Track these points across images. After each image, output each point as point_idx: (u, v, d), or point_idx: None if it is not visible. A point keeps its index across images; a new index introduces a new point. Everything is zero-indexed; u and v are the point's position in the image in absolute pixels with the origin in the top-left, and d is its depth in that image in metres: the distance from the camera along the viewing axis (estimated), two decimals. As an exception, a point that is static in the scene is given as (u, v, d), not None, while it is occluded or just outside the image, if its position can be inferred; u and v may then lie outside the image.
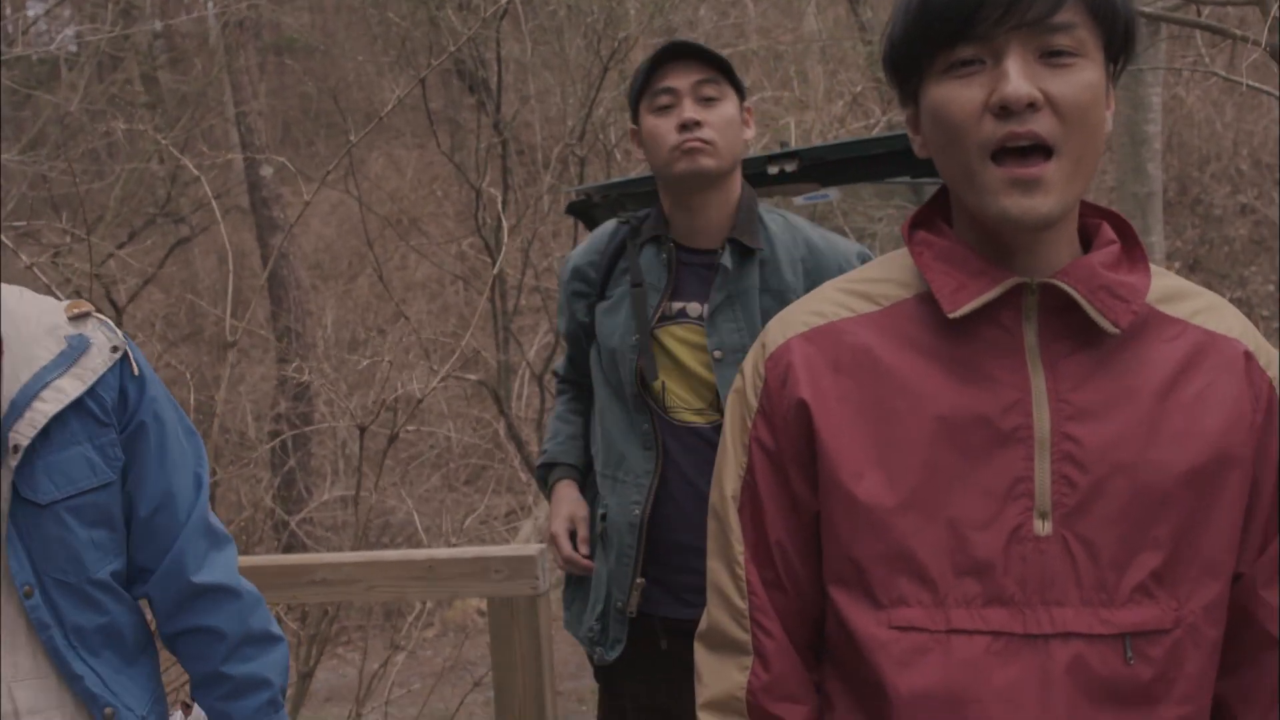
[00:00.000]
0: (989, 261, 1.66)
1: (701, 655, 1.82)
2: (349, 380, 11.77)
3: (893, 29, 1.67)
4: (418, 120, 15.42)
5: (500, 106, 10.21)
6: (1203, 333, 1.67)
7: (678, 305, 3.07)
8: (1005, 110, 1.55)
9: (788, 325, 1.77)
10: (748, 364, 1.80)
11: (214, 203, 6.15)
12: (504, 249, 7.43)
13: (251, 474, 13.64)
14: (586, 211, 5.29)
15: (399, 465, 12.74)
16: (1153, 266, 1.71)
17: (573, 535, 3.22)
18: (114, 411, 2.24)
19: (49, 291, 5.63)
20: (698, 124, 2.97)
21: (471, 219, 9.74)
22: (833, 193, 5.48)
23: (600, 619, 3.16)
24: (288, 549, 10.83)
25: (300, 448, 13.78)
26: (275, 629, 2.41)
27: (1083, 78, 1.56)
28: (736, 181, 3.11)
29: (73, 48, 17.33)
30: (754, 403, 1.76)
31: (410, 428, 6.79)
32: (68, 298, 2.19)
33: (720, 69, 3.02)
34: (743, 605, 1.76)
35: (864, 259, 3.00)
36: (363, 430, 5.64)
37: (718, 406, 3.00)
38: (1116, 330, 1.61)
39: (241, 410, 13.58)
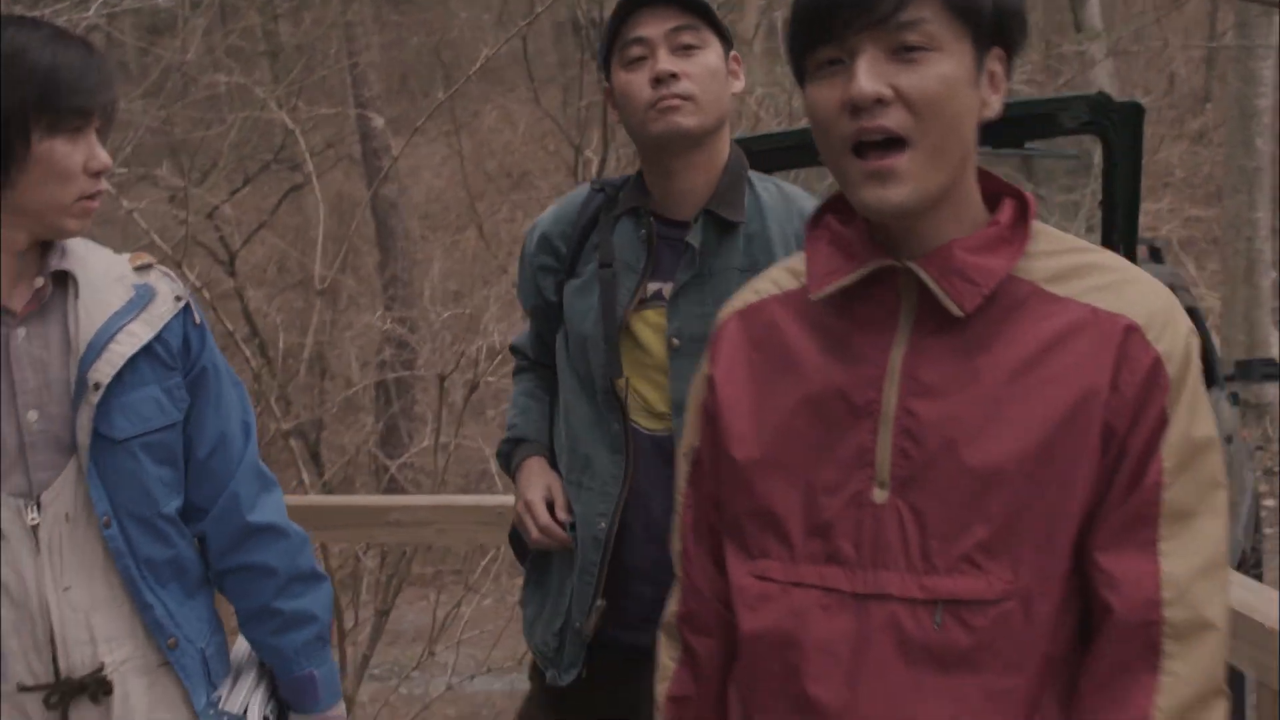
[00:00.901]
0: (871, 245, 1.75)
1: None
2: (452, 330, 11.95)
3: (784, 36, 1.78)
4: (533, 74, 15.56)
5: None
6: (1087, 310, 1.68)
7: (654, 287, 2.70)
8: (856, 107, 1.62)
9: (733, 302, 1.93)
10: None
11: (308, 158, 6.30)
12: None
13: (355, 419, 13.93)
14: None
15: (500, 415, 12.93)
16: (1074, 242, 1.76)
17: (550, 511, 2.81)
18: (179, 357, 2.36)
19: (147, 237, 5.84)
20: (674, 76, 2.60)
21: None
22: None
23: (558, 635, 2.80)
24: (387, 493, 11.06)
25: (404, 394, 14.03)
26: (319, 569, 2.53)
27: (935, 70, 1.62)
28: (723, 142, 2.74)
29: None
30: (705, 371, 1.93)
31: (490, 379, 6.91)
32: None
33: (699, 13, 2.65)
34: (679, 547, 1.97)
35: None
36: (443, 379, 5.79)
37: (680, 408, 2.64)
38: (961, 313, 1.67)
39: (347, 356, 13.84)
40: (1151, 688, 1.62)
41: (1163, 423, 1.64)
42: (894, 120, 1.62)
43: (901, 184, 1.64)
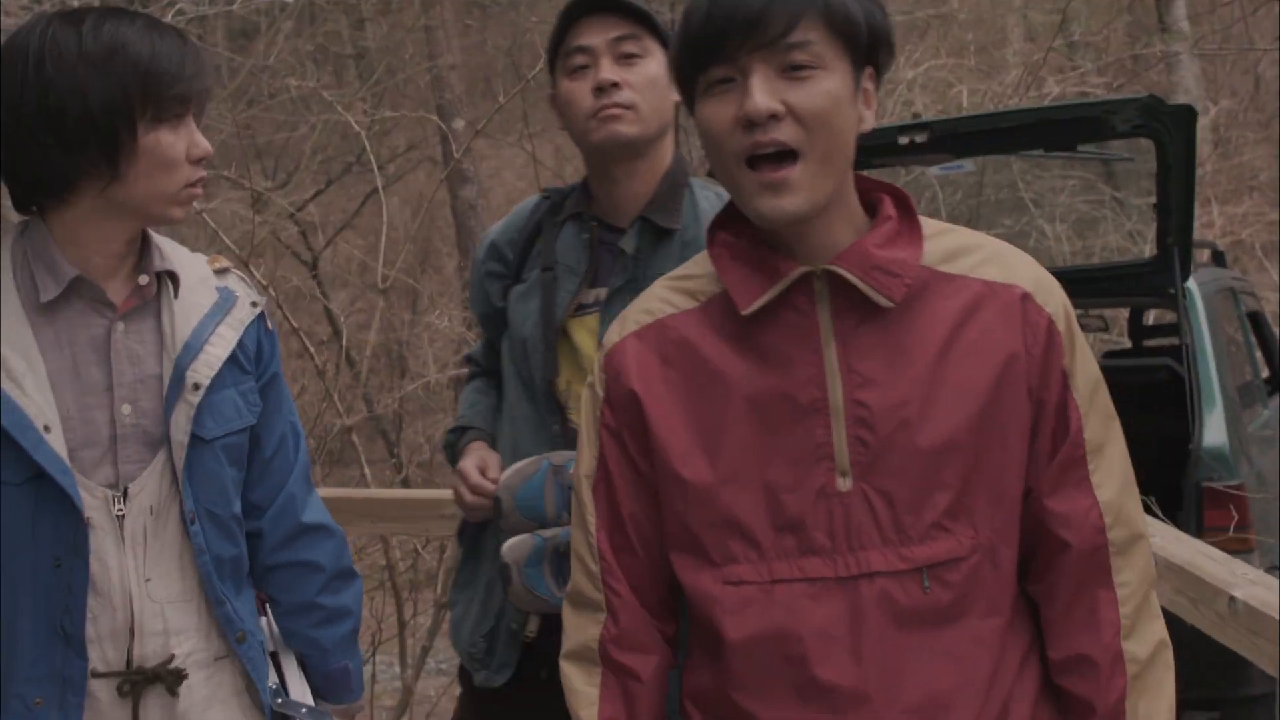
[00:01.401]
0: (777, 255, 1.88)
1: (566, 612, 2.08)
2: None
3: (672, 56, 1.91)
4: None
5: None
6: (981, 284, 1.88)
7: (593, 294, 2.74)
8: (750, 123, 1.77)
9: (624, 324, 2.01)
10: (596, 360, 2.04)
11: (374, 164, 6.41)
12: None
13: (434, 419, 14.06)
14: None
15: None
16: (940, 225, 1.94)
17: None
18: (253, 362, 2.43)
19: (217, 238, 5.96)
20: (615, 85, 2.64)
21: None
22: (967, 164, 5.55)
23: (487, 638, 2.81)
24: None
25: (482, 394, 14.13)
26: (353, 566, 2.65)
27: (821, 87, 1.78)
28: (665, 150, 2.76)
29: (285, -4, 17.93)
30: (600, 393, 2.00)
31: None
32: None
33: (642, 21, 2.69)
34: (595, 569, 2.01)
35: None
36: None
37: None
38: (890, 304, 1.84)
39: (426, 357, 13.98)
40: (1112, 600, 1.90)
41: (1065, 374, 1.88)
42: (786, 134, 1.77)
43: (795, 193, 1.79)
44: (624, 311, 2.04)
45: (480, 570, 2.86)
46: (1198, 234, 14.11)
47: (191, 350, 2.30)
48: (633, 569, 2.00)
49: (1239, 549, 5.04)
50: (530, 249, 2.85)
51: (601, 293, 2.72)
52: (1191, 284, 5.62)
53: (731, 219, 1.96)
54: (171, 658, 2.31)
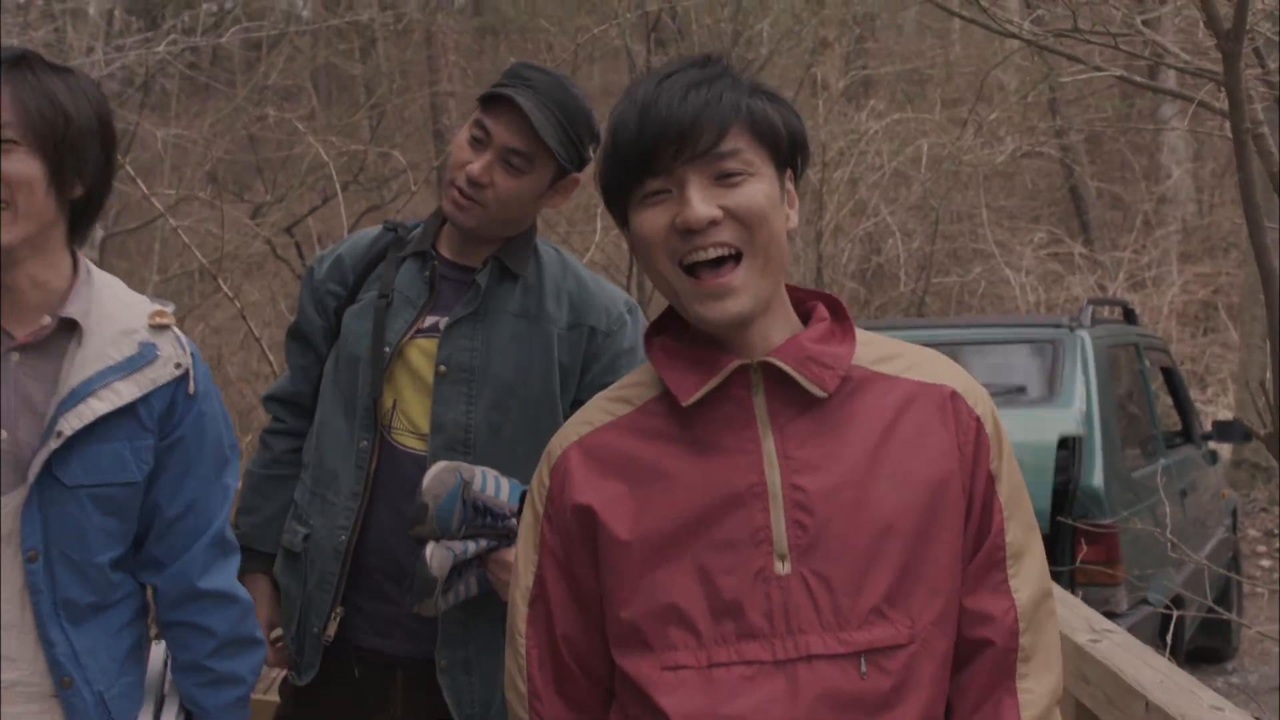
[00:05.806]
0: (716, 350, 1.94)
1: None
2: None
3: (600, 170, 1.97)
4: (606, 103, 15.78)
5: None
6: (914, 384, 1.95)
7: (432, 320, 2.92)
8: (689, 231, 1.84)
9: (565, 437, 2.04)
10: (536, 473, 2.06)
11: (333, 181, 6.68)
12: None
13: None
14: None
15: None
16: (872, 335, 2.04)
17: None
18: (159, 420, 2.41)
19: (188, 252, 6.17)
20: (480, 186, 2.82)
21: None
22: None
23: (294, 641, 3.03)
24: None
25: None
26: (260, 635, 2.65)
27: (754, 189, 1.86)
28: (516, 228, 2.95)
29: (305, 13, 18.46)
30: (540, 509, 2.03)
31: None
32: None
33: (539, 143, 2.79)
34: (524, 690, 2.03)
35: (630, 308, 3.03)
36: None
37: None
38: (824, 394, 1.90)
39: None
40: (1014, 706, 1.91)
41: (991, 477, 1.95)
42: (727, 235, 1.86)
43: (738, 296, 1.87)
44: (563, 427, 2.09)
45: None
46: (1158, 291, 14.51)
47: (73, 399, 2.30)
48: (564, 687, 2.02)
49: (1107, 582, 5.57)
50: (369, 273, 3.01)
51: (442, 320, 2.91)
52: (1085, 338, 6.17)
53: (667, 325, 2.03)
54: None
